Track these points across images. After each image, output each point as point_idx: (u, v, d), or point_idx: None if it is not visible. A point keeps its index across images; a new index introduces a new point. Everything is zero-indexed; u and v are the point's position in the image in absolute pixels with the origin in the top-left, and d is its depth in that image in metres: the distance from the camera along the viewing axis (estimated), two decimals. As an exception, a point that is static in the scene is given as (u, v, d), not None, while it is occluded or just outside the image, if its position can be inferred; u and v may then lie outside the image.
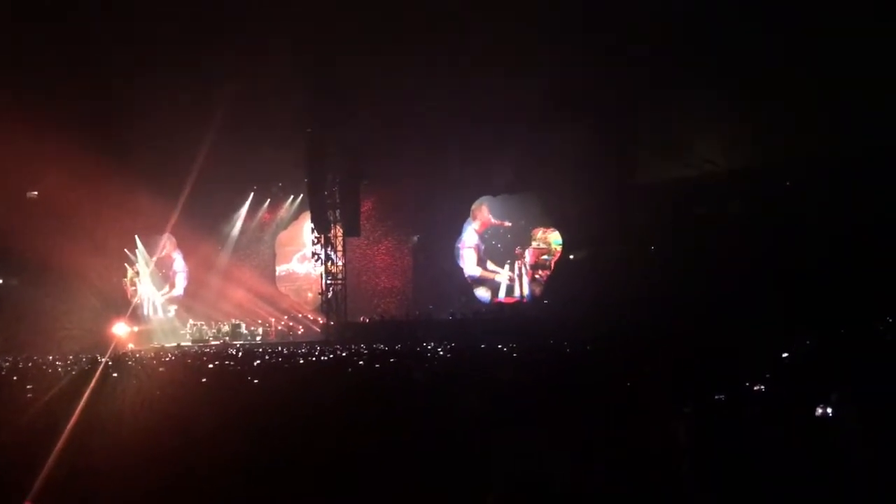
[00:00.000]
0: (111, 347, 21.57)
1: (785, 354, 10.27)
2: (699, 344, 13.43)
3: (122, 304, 30.67)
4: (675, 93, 20.96)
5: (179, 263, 33.71)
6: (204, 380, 11.00)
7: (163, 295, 33.47)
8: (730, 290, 17.93)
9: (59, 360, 17.77)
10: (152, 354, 20.73)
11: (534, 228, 28.34)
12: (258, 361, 15.88)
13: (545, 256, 28.07)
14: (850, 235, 16.98)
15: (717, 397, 6.71)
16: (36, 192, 28.32)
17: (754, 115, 20.10)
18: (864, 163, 17.80)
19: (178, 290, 33.61)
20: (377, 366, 13.92)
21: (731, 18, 18.89)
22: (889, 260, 15.89)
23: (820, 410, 5.58)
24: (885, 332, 13.15)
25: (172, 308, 33.24)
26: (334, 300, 28.27)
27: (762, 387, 6.88)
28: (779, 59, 18.71)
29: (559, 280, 27.18)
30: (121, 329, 26.94)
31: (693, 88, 20.37)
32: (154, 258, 33.04)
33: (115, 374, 12.93)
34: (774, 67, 18.84)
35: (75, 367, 14.99)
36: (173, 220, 29.75)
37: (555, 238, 27.89)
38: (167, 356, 19.82)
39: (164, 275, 33.69)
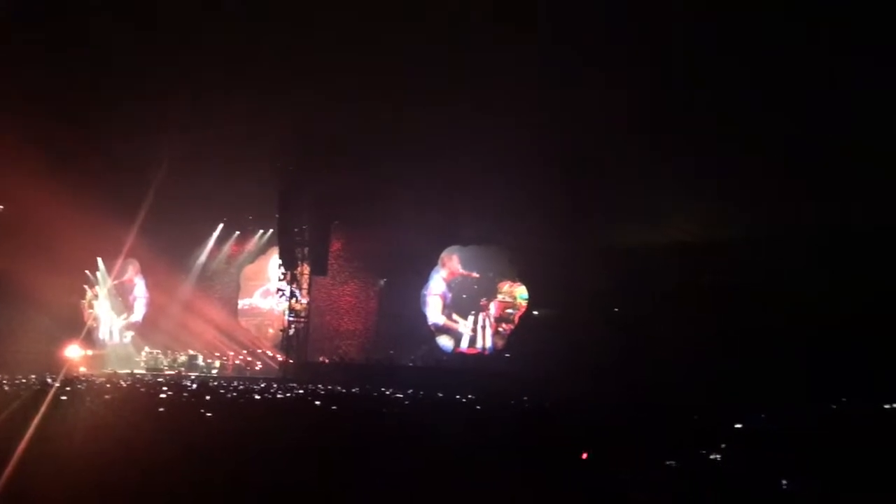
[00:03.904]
0: (62, 370, 21.06)
1: (739, 425, 10.40)
2: (655, 411, 13.54)
3: (78, 327, 30.05)
4: (652, 159, 21.34)
5: (140, 289, 33.24)
6: (161, 409, 10.81)
7: (122, 320, 32.91)
8: (689, 361, 18.10)
9: (5, 381, 17.34)
10: (104, 380, 20.32)
11: (500, 281, 28.45)
12: (210, 396, 15.63)
13: (510, 310, 28.15)
14: (818, 314, 17.28)
15: (668, 463, 6.78)
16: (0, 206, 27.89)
17: (730, 189, 20.53)
18: (836, 244, 18.21)
19: (137, 316, 33.09)
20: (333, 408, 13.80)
21: (712, 88, 19.37)
22: (855, 340, 16.19)
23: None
24: (842, 411, 13.40)
25: (129, 334, 32.68)
26: (295, 338, 28.02)
27: (717, 456, 6.96)
28: (758, 133, 19.20)
29: (522, 335, 27.21)
30: (73, 352, 26.35)
31: (670, 157, 20.78)
32: (111, 281, 32.52)
33: (64, 398, 12.67)
34: (752, 142, 19.33)
35: (24, 390, 14.64)
36: (129, 243, 29.39)
37: (520, 292, 28.00)
38: (119, 383, 19.45)
39: (124, 300, 33.17)
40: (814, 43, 16.95)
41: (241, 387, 19.64)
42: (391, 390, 19.47)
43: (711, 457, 7.08)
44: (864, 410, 13.43)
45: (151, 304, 32.79)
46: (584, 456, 7.02)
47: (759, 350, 17.37)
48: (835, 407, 13.90)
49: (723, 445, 7.76)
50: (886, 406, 13.61)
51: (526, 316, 27.61)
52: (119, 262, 32.07)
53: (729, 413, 11.63)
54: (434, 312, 29.29)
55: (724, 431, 9.75)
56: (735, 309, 18.97)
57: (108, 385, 18.13)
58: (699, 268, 21.00)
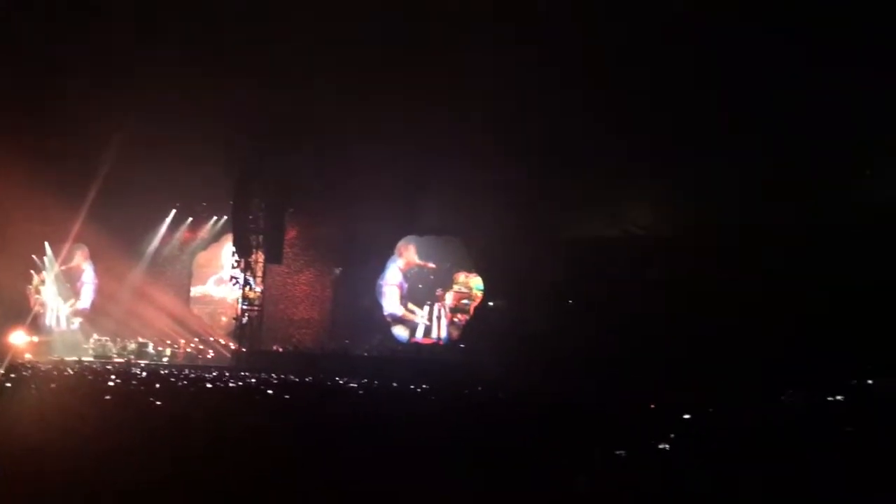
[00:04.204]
0: (7, 357, 20.53)
1: (687, 416, 10.59)
2: (606, 400, 13.72)
3: (23, 312, 29.35)
4: (606, 153, 21.54)
5: (89, 275, 32.53)
6: (108, 397, 10.61)
7: (70, 306, 32.20)
8: (641, 352, 18.36)
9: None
10: (51, 367, 19.88)
11: (457, 272, 28.51)
12: (160, 384, 15.40)
13: (465, 301, 28.23)
14: (773, 309, 17.65)
15: (617, 452, 6.87)
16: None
17: (682, 186, 20.82)
18: (789, 240, 18.60)
19: (85, 302, 32.40)
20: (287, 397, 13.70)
21: (667, 87, 19.60)
22: (804, 335, 16.56)
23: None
24: (789, 403, 13.72)
25: (77, 321, 32.00)
26: (248, 326, 27.75)
27: (666, 446, 7.08)
28: (709, 133, 19.51)
29: (477, 325, 27.33)
30: (19, 338, 25.70)
31: (624, 152, 21.00)
32: (59, 267, 31.79)
33: (9, 385, 12.39)
34: (708, 137, 19.63)
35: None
36: (77, 227, 28.83)
37: (476, 283, 28.10)
38: (66, 370, 19.05)
39: (71, 285, 32.46)
40: (769, 37, 17.27)
41: (193, 375, 19.38)
42: (345, 379, 19.42)
43: (660, 447, 7.21)
44: (809, 403, 13.78)
45: (100, 291, 32.13)
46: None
47: (713, 343, 17.67)
48: (782, 398, 14.23)
49: (672, 436, 7.89)
50: (830, 399, 13.98)
51: (481, 307, 27.73)
52: (67, 247, 31.37)
53: (679, 404, 11.82)
54: (390, 302, 29.25)
55: (673, 422, 9.91)
56: (688, 302, 19.27)
57: (54, 372, 17.74)
58: (655, 261, 21.28)
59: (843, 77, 16.41)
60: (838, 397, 13.93)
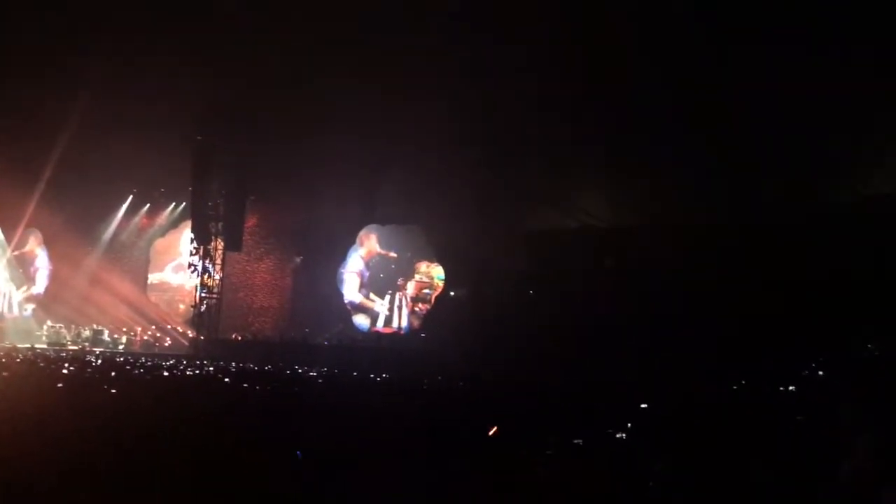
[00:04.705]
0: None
1: (644, 405, 10.73)
2: (565, 390, 13.84)
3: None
4: (566, 146, 21.68)
5: (43, 260, 31.90)
6: (60, 385, 10.42)
7: (23, 292, 31.53)
8: (600, 341, 18.55)
9: None
10: (2, 354, 19.45)
11: (418, 261, 28.49)
12: (115, 371, 15.16)
13: (427, 290, 28.24)
14: (720, 300, 17.93)
15: (574, 441, 6.93)
16: None
17: (638, 178, 21.03)
18: (745, 234, 18.90)
19: (39, 288, 31.78)
20: (244, 385, 13.59)
21: (626, 79, 19.74)
22: (758, 327, 16.86)
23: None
24: (740, 393, 13.99)
25: (30, 307, 31.37)
26: (207, 314, 27.42)
27: (623, 434, 7.17)
28: (666, 127, 19.69)
29: (438, 315, 27.37)
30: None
31: (583, 144, 21.15)
32: (12, 252, 31.10)
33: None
34: (661, 134, 19.82)
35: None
36: (30, 212, 28.30)
37: (438, 273, 28.12)
38: (18, 357, 18.66)
39: (24, 271, 31.78)
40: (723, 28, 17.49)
41: (149, 363, 19.11)
42: (305, 368, 19.31)
43: (618, 436, 7.29)
44: (761, 393, 14.07)
45: (55, 277, 31.52)
46: (492, 432, 7.12)
47: (670, 333, 17.91)
48: (735, 388, 14.50)
49: (629, 425, 7.98)
50: (782, 388, 14.28)
51: (442, 296, 27.76)
52: (19, 231, 30.72)
53: (636, 394, 11.97)
54: (351, 290, 29.16)
55: (630, 411, 10.03)
56: (646, 292, 19.50)
57: (4, 360, 17.35)
58: (614, 251, 21.49)
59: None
60: (790, 388, 14.24)
